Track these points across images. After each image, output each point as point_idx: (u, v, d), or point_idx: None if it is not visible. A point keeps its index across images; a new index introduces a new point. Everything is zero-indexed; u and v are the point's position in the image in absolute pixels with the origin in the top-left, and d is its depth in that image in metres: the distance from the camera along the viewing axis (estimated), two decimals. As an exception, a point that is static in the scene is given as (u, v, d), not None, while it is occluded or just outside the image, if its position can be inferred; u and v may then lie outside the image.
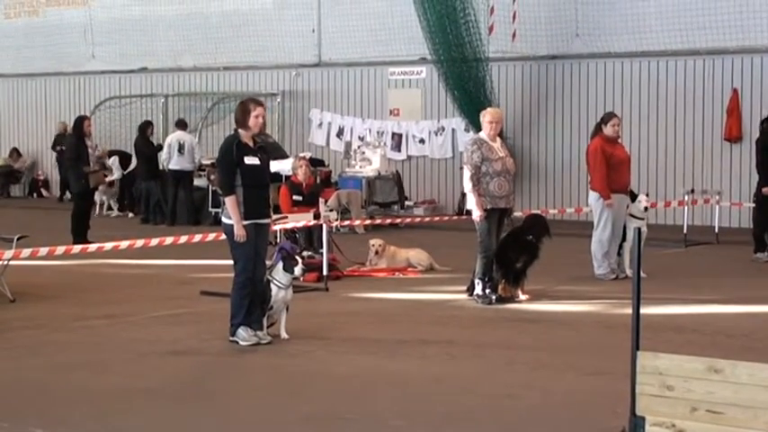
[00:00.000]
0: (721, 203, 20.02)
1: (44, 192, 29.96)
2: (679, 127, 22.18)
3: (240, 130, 10.25)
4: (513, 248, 12.79)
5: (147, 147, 23.64)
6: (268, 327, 10.36)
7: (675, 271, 15.47)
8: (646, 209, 14.80)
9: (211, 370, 9.45)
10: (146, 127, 23.87)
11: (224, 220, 10.28)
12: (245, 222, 10.04)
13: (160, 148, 23.47)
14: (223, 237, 10.52)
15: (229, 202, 10.10)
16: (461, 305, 12.60)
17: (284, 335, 10.36)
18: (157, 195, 23.27)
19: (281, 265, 10.37)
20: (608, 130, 14.53)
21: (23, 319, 11.58)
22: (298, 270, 10.37)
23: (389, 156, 24.13)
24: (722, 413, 5.29)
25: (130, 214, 24.88)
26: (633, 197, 14.79)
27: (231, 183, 10.12)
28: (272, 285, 10.30)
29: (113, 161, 25.51)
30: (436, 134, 24.86)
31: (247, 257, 10.11)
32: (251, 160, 10.18)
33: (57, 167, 28.58)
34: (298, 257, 10.61)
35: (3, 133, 31.80)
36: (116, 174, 25.24)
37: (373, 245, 15.48)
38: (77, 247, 13.65)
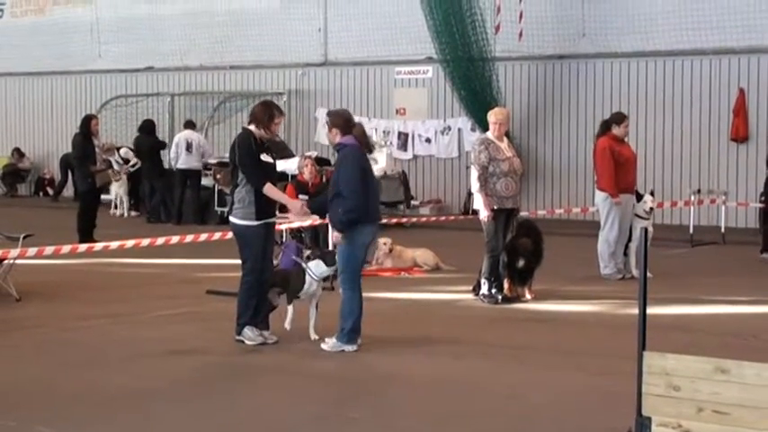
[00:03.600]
0: (728, 203, 20.01)
1: (50, 190, 29.86)
2: (685, 127, 22.15)
3: (253, 128, 10.16)
4: (517, 250, 12.74)
5: (152, 145, 23.58)
6: (292, 320, 10.33)
7: (682, 271, 15.45)
8: (651, 209, 14.76)
9: (217, 369, 9.44)
10: (151, 125, 23.84)
11: (233, 220, 10.16)
12: (256, 223, 9.99)
13: (164, 145, 23.40)
14: (229, 236, 10.49)
15: (269, 190, 9.97)
16: (467, 305, 12.59)
17: (314, 336, 10.25)
18: (162, 194, 23.24)
19: (316, 260, 10.35)
20: (620, 131, 14.49)
21: (29, 318, 11.59)
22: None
23: (395, 155, 24.14)
24: (728, 413, 5.28)
25: (134, 213, 24.84)
26: (639, 197, 14.76)
27: (260, 174, 9.99)
28: (306, 276, 10.29)
29: (125, 152, 25.12)
30: (442, 133, 24.85)
31: (256, 257, 10.08)
32: (266, 158, 10.13)
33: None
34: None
35: (10, 132, 31.82)
36: (134, 159, 24.79)
37: (385, 243, 15.40)
38: (83, 246, 13.63)
